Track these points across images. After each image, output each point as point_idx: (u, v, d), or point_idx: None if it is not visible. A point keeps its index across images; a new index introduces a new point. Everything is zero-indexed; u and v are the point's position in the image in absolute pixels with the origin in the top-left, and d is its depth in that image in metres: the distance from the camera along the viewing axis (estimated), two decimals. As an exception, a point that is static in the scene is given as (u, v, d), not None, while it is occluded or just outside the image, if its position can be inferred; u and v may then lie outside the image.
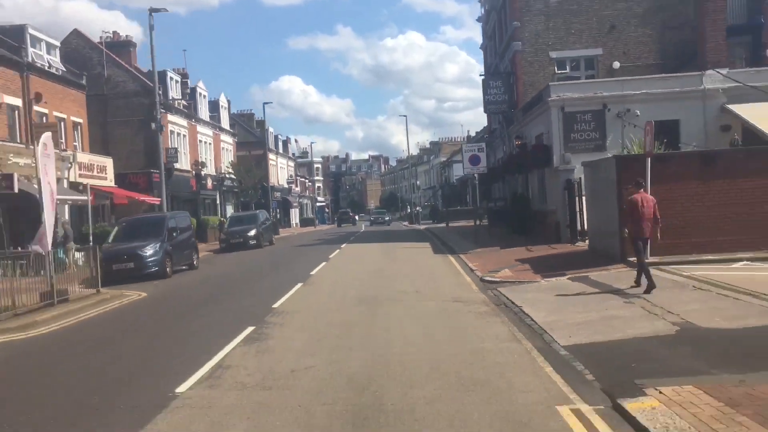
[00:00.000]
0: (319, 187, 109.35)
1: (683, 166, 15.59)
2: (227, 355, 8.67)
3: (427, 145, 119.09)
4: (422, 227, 50.54)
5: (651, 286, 11.08)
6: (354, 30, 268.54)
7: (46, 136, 15.34)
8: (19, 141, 24.60)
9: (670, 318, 9.18)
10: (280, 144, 74.11)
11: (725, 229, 14.95)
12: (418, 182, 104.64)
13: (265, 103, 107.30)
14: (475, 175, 28.82)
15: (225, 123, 50.91)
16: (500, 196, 35.84)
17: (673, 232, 14.20)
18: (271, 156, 66.80)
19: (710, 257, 14.45)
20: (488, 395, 6.40)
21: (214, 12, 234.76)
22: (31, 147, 20.63)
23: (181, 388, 7.13)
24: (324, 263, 21.71)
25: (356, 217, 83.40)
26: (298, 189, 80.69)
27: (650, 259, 12.92)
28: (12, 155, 23.30)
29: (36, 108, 26.05)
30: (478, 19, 42.08)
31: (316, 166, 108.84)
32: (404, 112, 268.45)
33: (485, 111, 32.22)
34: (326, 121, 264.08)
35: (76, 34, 36.45)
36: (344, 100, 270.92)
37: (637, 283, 11.70)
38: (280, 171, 71.34)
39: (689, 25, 26.75)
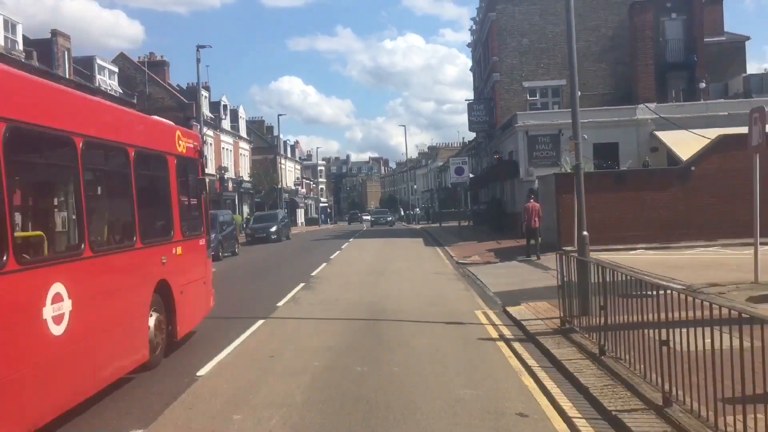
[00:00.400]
0: (322, 188, 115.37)
1: (602, 182, 21.62)
2: (295, 294, 14.74)
3: (426, 150, 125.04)
4: (418, 227, 56.59)
5: (536, 255, 17.68)
6: (354, 31, 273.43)
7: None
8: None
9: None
10: (289, 149, 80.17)
11: (630, 227, 20.95)
12: (415, 186, 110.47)
13: (279, 115, 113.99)
14: (467, 182, 34.89)
15: (243, 132, 57.00)
16: (484, 200, 41.90)
17: (595, 229, 20.08)
18: (281, 160, 72.85)
19: (618, 247, 20.41)
20: (442, 308, 12.40)
21: (216, 12, 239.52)
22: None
23: (279, 304, 13.20)
24: (338, 251, 27.75)
25: (363, 216, 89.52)
26: (303, 190, 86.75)
27: (573, 248, 18.92)
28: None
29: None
30: (468, 45, 48.11)
31: (319, 168, 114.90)
32: (403, 113, 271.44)
33: (470, 129, 38.36)
34: (326, 122, 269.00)
35: (122, 57, 42.46)
36: (344, 101, 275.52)
37: (537, 257, 17.92)
38: (288, 174, 77.38)
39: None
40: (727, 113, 26.36)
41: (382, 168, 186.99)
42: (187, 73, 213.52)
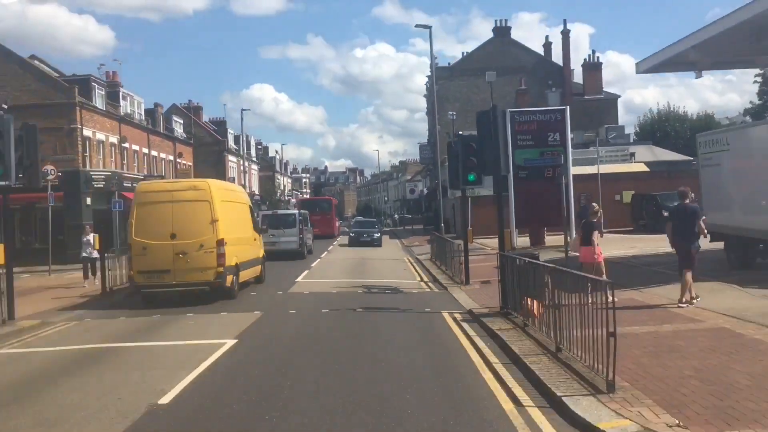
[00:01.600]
0: (306, 198, 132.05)
1: (484, 201, 38.68)
2: (323, 256, 31.69)
3: (397, 164, 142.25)
4: (388, 229, 73.73)
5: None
6: (325, 40, 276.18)
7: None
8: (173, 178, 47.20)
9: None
10: (284, 166, 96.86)
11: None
12: (386, 197, 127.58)
13: (283, 145, 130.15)
14: (424, 193, 51.98)
15: (253, 155, 73.68)
16: (432, 210, 59.06)
17: (482, 226, 37.11)
18: (278, 176, 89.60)
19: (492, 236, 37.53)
20: (394, 272, 28.94)
21: (188, 19, 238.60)
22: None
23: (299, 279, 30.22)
24: (331, 246, 44.56)
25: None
26: (294, 200, 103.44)
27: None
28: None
29: (179, 160, 48.65)
30: (424, 96, 65.34)
31: (304, 180, 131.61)
32: (376, 121, 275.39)
33: (420, 162, 55.48)
34: (299, 129, 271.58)
35: (174, 108, 58.98)
36: (316, 109, 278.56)
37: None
38: (283, 187, 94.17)
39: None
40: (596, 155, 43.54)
41: (358, 177, 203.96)
42: (159, 78, 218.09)
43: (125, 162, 38.54)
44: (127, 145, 38.45)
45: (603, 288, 6.93)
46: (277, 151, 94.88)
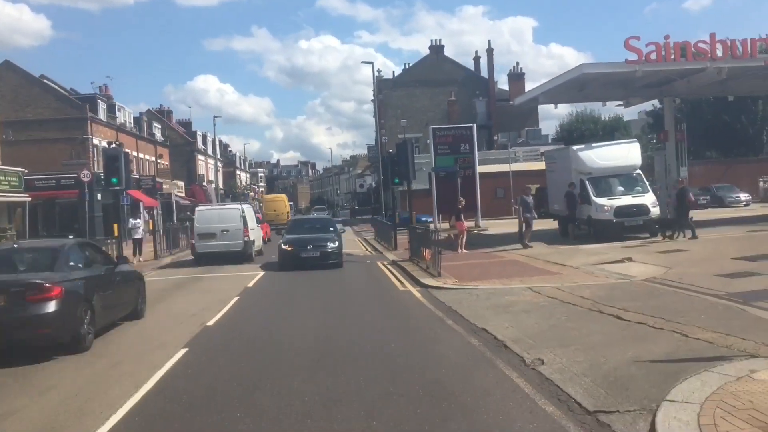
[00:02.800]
0: (262, 191, 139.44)
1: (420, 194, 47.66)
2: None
3: (348, 158, 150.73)
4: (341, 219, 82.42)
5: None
6: (270, 31, 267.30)
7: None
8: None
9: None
10: (243, 162, 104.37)
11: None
12: (339, 190, 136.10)
13: (245, 144, 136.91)
14: (372, 187, 60.57)
15: (218, 154, 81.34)
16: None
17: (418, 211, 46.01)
18: (238, 172, 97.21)
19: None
20: (362, 262, 38.01)
21: (129, 9, 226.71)
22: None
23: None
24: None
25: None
26: (252, 194, 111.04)
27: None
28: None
29: (159, 160, 56.30)
30: (372, 100, 73.91)
31: (260, 174, 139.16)
32: (324, 113, 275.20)
33: (369, 161, 64.16)
34: (245, 121, 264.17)
35: (148, 113, 66.30)
36: (263, 100, 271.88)
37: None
38: (242, 181, 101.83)
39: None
40: (513, 155, 52.73)
41: (310, 171, 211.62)
42: (98, 70, 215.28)
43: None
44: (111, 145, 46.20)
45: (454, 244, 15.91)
46: (231, 150, 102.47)
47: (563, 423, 5.72)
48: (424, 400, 6.49)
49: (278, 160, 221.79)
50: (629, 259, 16.04)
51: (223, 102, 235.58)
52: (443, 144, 34.77)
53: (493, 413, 6.06)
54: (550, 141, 64.94)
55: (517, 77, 65.93)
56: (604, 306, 10.57)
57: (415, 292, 14.49)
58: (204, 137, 75.38)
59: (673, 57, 22.63)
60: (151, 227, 38.19)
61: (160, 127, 60.53)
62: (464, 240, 22.39)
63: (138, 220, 27.14)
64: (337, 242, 21.53)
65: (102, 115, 43.71)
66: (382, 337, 9.74)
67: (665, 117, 27.66)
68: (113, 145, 24.15)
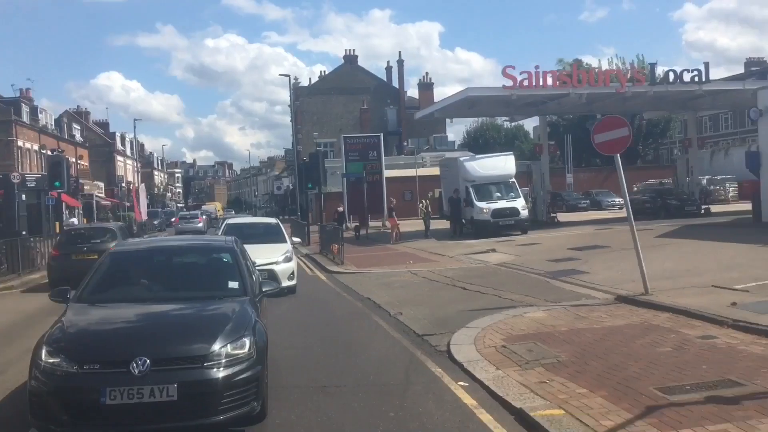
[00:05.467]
0: (179, 192, 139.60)
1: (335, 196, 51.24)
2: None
3: (266, 160, 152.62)
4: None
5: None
6: (176, 29, 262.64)
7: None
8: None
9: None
10: (161, 162, 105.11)
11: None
12: (257, 191, 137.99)
13: (164, 146, 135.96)
14: (290, 189, 63.60)
15: (136, 155, 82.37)
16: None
17: (331, 214, 49.51)
18: (156, 172, 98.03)
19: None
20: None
21: (27, 2, 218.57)
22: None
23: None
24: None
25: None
26: (170, 194, 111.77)
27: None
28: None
29: (79, 161, 57.55)
30: (289, 105, 76.95)
31: (177, 175, 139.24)
32: (235, 113, 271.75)
33: (287, 164, 67.20)
34: (155, 119, 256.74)
35: (67, 114, 67.10)
36: (171, 98, 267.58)
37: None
38: (161, 181, 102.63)
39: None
40: (421, 160, 56.85)
41: (227, 171, 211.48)
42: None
43: (44, 165, 47.67)
44: (46, 151, 47.64)
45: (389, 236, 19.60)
46: (148, 150, 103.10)
47: (403, 341, 9.44)
48: (325, 336, 10.10)
49: (194, 160, 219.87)
50: (493, 250, 20.18)
51: (130, 99, 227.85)
52: (353, 151, 38.50)
53: (364, 339, 9.75)
54: (456, 147, 69.80)
55: (426, 87, 70.45)
56: (458, 282, 14.49)
57: (321, 276, 18.10)
58: (123, 138, 76.47)
59: (542, 83, 27.10)
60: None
61: (79, 128, 61.67)
62: (397, 232, 26.53)
63: (74, 219, 29.56)
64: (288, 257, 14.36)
65: (26, 117, 45.15)
66: (294, 306, 13.27)
67: (540, 133, 32.38)
68: (56, 152, 26.54)
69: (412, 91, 73.37)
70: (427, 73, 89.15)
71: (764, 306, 9.14)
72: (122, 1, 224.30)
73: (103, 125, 76.24)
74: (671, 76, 27.27)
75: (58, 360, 5.40)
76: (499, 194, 26.70)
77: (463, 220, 27.64)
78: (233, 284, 6.98)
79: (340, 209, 33.31)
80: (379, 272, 17.33)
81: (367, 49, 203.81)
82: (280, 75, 72.62)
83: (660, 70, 28.38)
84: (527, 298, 11.87)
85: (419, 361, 8.25)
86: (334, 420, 6.06)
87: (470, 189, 26.75)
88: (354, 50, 66.78)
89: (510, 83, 26.48)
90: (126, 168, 74.58)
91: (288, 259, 14.34)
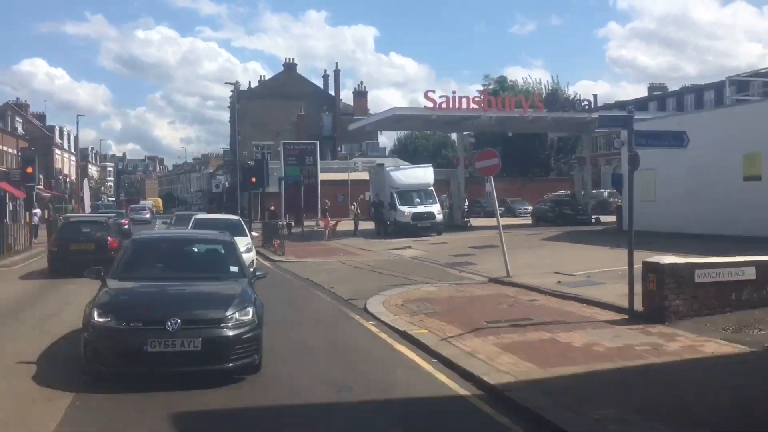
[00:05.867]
0: (110, 185, 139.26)
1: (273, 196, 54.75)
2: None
3: (200, 156, 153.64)
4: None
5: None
6: (106, 18, 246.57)
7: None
8: None
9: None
10: (95, 155, 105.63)
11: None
12: (191, 188, 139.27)
13: (101, 140, 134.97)
14: (226, 187, 66.60)
15: (73, 149, 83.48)
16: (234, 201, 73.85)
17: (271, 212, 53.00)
18: (90, 166, 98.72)
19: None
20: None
21: None
22: None
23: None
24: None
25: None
26: (103, 189, 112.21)
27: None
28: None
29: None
30: (228, 107, 79.75)
31: (108, 169, 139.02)
32: (165, 106, 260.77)
33: (225, 164, 70.12)
34: (80, 109, 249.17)
35: (9, 107, 68.05)
36: (98, 87, 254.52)
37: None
38: (94, 175, 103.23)
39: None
40: (354, 165, 60.74)
41: (158, 166, 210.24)
42: None
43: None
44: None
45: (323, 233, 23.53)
46: (85, 144, 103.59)
47: (335, 303, 13.51)
48: (284, 300, 14.04)
49: (124, 154, 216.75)
50: (409, 247, 24.47)
51: (55, 87, 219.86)
52: (291, 156, 42.30)
53: (310, 301, 13.81)
54: (387, 153, 74.21)
55: (360, 95, 74.77)
56: (376, 269, 18.67)
57: (267, 264, 21.95)
58: (61, 131, 77.69)
59: (458, 106, 31.61)
60: (47, 216, 41.96)
61: (21, 121, 63.07)
62: (329, 231, 30.49)
63: (37, 210, 32.33)
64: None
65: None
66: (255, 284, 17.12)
67: (458, 147, 37.05)
68: (26, 150, 29.29)
69: (347, 94, 77.58)
70: (361, 82, 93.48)
71: (576, 284, 13.67)
72: None
73: (41, 117, 77.20)
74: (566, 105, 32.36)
75: (108, 319, 7.25)
76: (419, 200, 31.06)
77: (388, 222, 31.87)
78: (234, 269, 9.03)
79: (272, 208, 36.95)
80: (315, 261, 21.34)
81: (303, 50, 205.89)
82: (226, 83, 73.63)
83: (572, 91, 33.45)
84: (426, 280, 16.15)
85: (345, 313, 12.38)
86: (297, 337, 10.09)
87: (394, 195, 31.02)
88: (293, 58, 70.58)
89: (431, 105, 30.95)
90: (63, 161, 75.81)
91: (249, 250, 17.03)
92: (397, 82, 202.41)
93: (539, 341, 9.10)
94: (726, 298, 10.16)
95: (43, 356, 8.79)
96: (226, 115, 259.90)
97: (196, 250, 9.91)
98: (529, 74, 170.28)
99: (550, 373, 7.51)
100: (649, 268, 10.15)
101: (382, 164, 59.04)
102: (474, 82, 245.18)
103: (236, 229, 17.21)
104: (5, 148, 55.00)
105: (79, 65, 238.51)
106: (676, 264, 10.12)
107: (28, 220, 28.72)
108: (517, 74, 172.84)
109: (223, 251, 9.58)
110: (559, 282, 13.97)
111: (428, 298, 13.20)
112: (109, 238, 18.46)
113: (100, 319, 7.33)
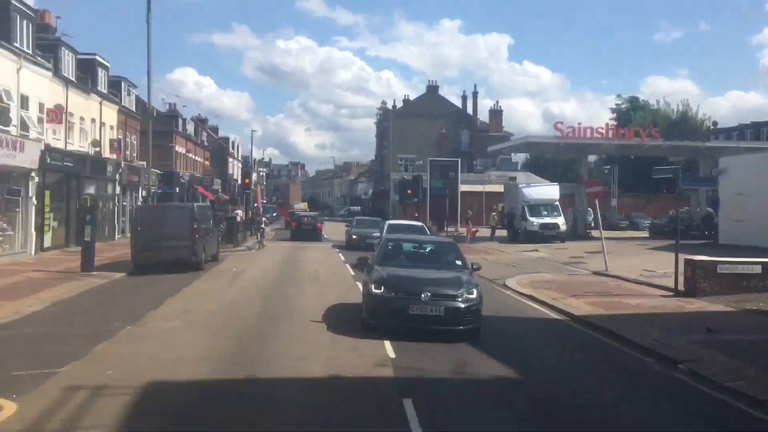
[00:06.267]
0: (262, 190, 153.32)
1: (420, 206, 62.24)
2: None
3: (342, 164, 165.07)
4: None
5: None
6: (250, 29, 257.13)
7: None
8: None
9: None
10: (255, 162, 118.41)
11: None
12: (330, 193, 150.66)
13: (263, 150, 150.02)
14: (369, 194, 74.97)
15: (251, 160, 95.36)
16: (378, 207, 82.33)
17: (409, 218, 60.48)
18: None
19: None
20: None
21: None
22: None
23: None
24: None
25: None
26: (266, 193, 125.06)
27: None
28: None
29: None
30: (375, 123, 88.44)
31: (262, 174, 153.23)
32: (302, 113, 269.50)
33: (371, 175, 78.58)
34: (226, 116, 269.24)
35: (195, 121, 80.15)
36: (242, 95, 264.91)
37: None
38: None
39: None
40: (488, 179, 67.33)
41: (299, 171, 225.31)
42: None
43: (188, 165, 60.33)
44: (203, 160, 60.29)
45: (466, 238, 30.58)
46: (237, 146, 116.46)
47: (485, 282, 20.30)
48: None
49: (270, 159, 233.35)
50: (536, 250, 30.77)
51: (202, 95, 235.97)
52: (436, 171, 49.51)
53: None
54: (519, 168, 79.82)
55: (496, 113, 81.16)
56: (510, 264, 25.26)
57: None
58: (233, 143, 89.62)
59: (582, 135, 37.40)
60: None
61: (206, 134, 74.67)
62: (471, 235, 37.42)
63: (238, 210, 41.37)
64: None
65: (180, 128, 57.85)
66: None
67: (582, 168, 42.76)
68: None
69: (482, 103, 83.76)
70: (497, 102, 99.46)
71: (651, 276, 19.69)
72: (202, 1, 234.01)
73: (214, 129, 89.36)
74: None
75: (382, 291, 11.07)
76: (545, 212, 37.15)
77: (519, 230, 38.17)
78: (458, 262, 12.70)
79: (416, 215, 43.99)
80: (470, 257, 28.17)
81: (436, 58, 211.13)
82: (378, 108, 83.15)
83: (702, 113, 38.27)
84: (546, 271, 22.59)
85: (491, 286, 19.12)
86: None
87: (525, 207, 37.32)
88: (436, 81, 77.91)
89: (559, 134, 37.04)
90: (235, 168, 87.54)
91: None
92: (530, 91, 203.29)
93: (610, 302, 15.52)
94: (738, 284, 16.02)
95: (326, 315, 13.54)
96: (358, 123, 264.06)
97: (429, 248, 13.96)
98: (671, 84, 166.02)
99: (612, 314, 13.95)
100: (687, 263, 16.23)
101: (515, 180, 64.68)
102: (612, 92, 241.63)
103: (422, 231, 24.36)
104: (196, 158, 66.13)
105: (225, 74, 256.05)
106: (704, 260, 16.15)
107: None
108: (658, 85, 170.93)
109: (448, 249, 13.63)
110: (641, 275, 20.05)
111: (546, 280, 19.74)
112: (318, 224, 35.99)
113: (376, 290, 11.17)
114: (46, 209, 26.61)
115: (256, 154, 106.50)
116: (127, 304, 14.39)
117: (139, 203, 36.25)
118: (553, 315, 14.42)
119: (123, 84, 40.45)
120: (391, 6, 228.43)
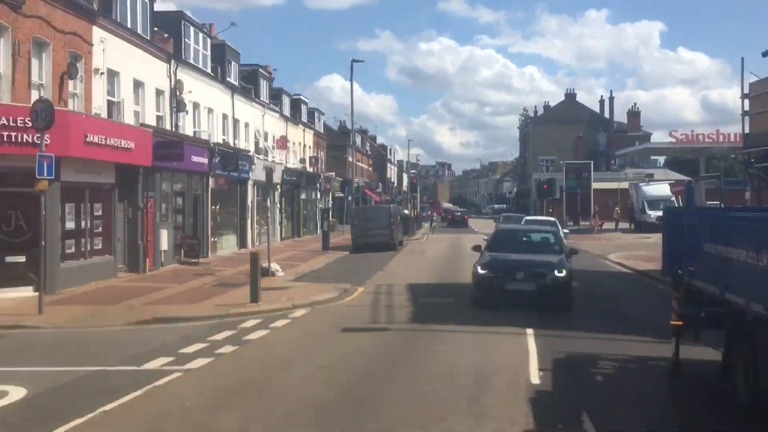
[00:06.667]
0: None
1: (556, 203, 69.85)
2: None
3: (488, 164, 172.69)
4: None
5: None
6: (393, 33, 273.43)
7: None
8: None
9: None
10: (407, 166, 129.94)
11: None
12: (477, 192, 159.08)
13: (417, 155, 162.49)
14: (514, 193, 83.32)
15: (398, 164, 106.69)
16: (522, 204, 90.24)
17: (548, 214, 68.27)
18: (404, 175, 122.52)
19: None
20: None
21: (265, 11, 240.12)
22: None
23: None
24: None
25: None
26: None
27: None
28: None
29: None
30: (518, 127, 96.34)
31: (412, 173, 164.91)
32: (445, 114, 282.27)
33: (514, 174, 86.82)
34: (372, 119, 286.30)
35: (360, 132, 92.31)
36: (387, 98, 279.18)
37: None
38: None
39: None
40: (624, 176, 73.36)
41: (446, 171, 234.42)
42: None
43: (358, 173, 71.85)
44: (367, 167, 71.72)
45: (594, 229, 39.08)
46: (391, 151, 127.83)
47: (593, 256, 28.84)
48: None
49: (418, 160, 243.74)
50: (649, 237, 38.30)
51: (348, 100, 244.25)
52: (571, 172, 57.25)
53: (583, 257, 29.46)
54: (658, 165, 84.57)
55: (634, 115, 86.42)
56: (621, 247, 33.34)
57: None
58: (390, 150, 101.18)
59: (695, 140, 44.09)
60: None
61: (368, 144, 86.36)
62: (597, 227, 45.63)
63: (405, 210, 51.62)
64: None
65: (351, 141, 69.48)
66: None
67: (701, 167, 49.09)
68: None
69: (633, 94, 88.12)
70: (635, 104, 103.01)
71: None
72: (347, 8, 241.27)
73: (372, 138, 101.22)
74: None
75: (486, 272, 14.20)
76: (662, 206, 44.16)
77: (640, 222, 45.39)
78: (557, 248, 15.82)
79: (551, 211, 51.99)
80: (587, 242, 36.55)
81: (581, 51, 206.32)
82: (520, 115, 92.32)
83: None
84: (644, 251, 30.59)
85: (597, 258, 27.61)
86: (578, 266, 25.86)
87: (645, 203, 44.56)
88: (573, 89, 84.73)
89: (673, 140, 44.08)
90: (391, 174, 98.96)
91: (565, 236, 26.13)
92: (685, 79, 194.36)
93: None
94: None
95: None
96: (502, 121, 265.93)
97: (534, 236, 17.69)
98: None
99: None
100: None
101: (652, 176, 69.74)
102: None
103: (554, 225, 32.28)
104: (363, 165, 77.68)
105: (370, 78, 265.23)
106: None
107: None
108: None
109: (549, 237, 17.00)
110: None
111: (644, 256, 27.85)
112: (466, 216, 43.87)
113: (482, 272, 14.30)
114: (282, 212, 38.17)
115: (404, 156, 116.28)
116: (368, 264, 24.61)
117: (328, 205, 47.57)
118: (627, 271, 22.99)
119: (316, 114, 52.38)
120: (534, 0, 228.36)
